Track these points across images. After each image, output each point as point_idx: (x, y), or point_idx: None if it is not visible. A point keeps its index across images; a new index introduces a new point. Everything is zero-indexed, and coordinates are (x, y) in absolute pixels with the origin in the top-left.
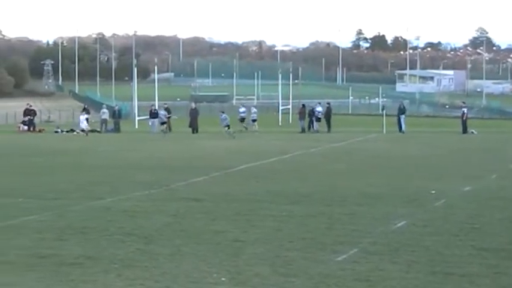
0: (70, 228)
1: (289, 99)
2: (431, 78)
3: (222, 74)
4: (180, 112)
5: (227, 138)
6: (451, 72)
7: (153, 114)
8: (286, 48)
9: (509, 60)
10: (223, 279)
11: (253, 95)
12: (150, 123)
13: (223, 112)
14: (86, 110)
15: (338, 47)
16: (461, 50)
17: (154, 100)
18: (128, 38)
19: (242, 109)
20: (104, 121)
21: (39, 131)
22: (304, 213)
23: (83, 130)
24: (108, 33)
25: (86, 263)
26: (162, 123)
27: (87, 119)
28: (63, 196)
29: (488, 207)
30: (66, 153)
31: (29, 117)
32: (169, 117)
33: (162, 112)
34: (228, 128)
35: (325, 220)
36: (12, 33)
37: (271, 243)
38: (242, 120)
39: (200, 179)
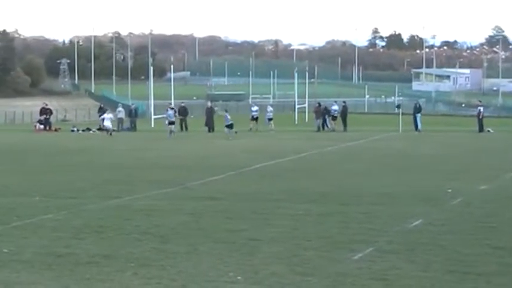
0: (86, 227)
1: (305, 98)
2: (448, 76)
3: (238, 73)
4: (196, 111)
5: (230, 139)
6: (467, 70)
7: None
8: (302, 47)
9: None
10: (239, 278)
11: (269, 94)
12: (166, 122)
13: (226, 111)
14: (103, 109)
15: (354, 46)
16: (477, 49)
17: (171, 99)
18: (144, 37)
19: (255, 108)
20: (120, 120)
21: (55, 130)
22: (320, 212)
23: (107, 130)
24: (124, 32)
25: (102, 261)
26: (170, 123)
27: (111, 118)
28: (79, 195)
29: (505, 206)
30: (82, 152)
31: (45, 116)
32: (184, 117)
33: (169, 112)
34: (231, 128)
35: (341, 219)
36: (29, 32)
37: (288, 242)
38: (254, 119)
39: (216, 178)
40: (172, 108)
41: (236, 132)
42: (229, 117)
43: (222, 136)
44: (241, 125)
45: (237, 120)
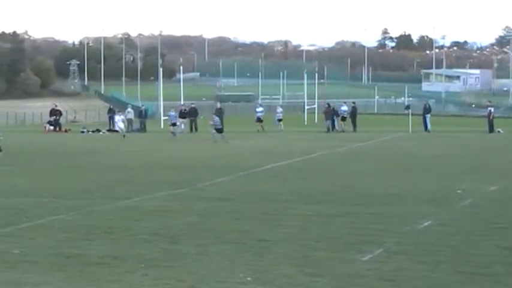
0: (96, 228)
1: (314, 98)
2: (457, 77)
3: (248, 74)
4: (205, 112)
5: (214, 141)
6: (477, 71)
7: (183, 114)
8: (311, 48)
9: None
10: (248, 278)
11: (279, 95)
12: (178, 123)
13: (215, 114)
14: (112, 110)
15: (364, 47)
16: (487, 49)
17: (180, 100)
18: (154, 38)
19: (260, 109)
20: (129, 121)
21: (65, 131)
22: (329, 212)
23: (121, 131)
24: (133, 33)
25: (111, 262)
26: (173, 124)
27: (123, 120)
28: (88, 196)
29: None
30: (91, 153)
31: (54, 117)
32: (194, 118)
33: (172, 113)
34: (218, 132)
35: (350, 220)
36: (38, 33)
37: (297, 243)
38: (259, 120)
39: (226, 179)
40: (184, 110)
41: (215, 136)
42: (217, 120)
43: (231, 137)
44: (250, 126)
45: (246, 121)
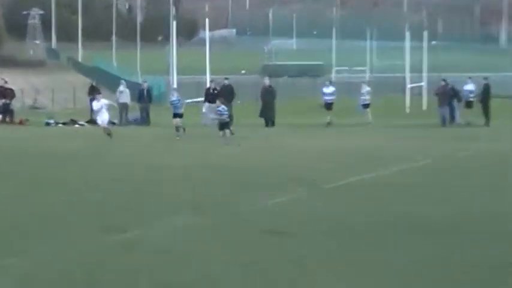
0: (73, 280)
1: (421, 72)
2: None
3: (314, 32)
4: (245, 93)
5: (223, 144)
6: None
7: (211, 96)
8: None
9: None
10: None
11: (364, 66)
12: (203, 110)
13: (222, 102)
14: (96, 90)
15: None
16: None
17: (205, 73)
18: None
19: (329, 89)
20: (124, 106)
21: (20, 122)
22: (436, 253)
23: (104, 127)
24: None
25: None
26: (178, 116)
27: (108, 107)
28: (61, 226)
29: None
30: (64, 159)
31: (3, 100)
32: (229, 102)
33: (174, 98)
34: (222, 128)
35: (483, 266)
36: None
37: None
38: (329, 107)
39: (278, 200)
40: (213, 90)
41: (232, 134)
42: (223, 109)
43: (287, 132)
44: (317, 116)
45: (311, 108)
